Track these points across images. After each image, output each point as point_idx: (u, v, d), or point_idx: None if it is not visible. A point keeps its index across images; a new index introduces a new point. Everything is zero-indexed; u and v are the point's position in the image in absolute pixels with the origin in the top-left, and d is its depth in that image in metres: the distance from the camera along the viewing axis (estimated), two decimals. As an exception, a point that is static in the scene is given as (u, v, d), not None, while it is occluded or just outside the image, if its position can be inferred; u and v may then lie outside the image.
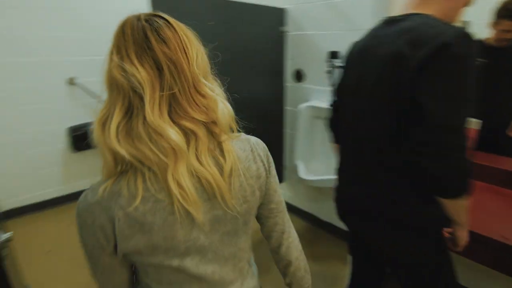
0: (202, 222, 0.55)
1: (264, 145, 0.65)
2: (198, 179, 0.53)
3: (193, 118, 0.51)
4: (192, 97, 0.51)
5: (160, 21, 0.52)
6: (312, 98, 2.17)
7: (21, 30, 2.32)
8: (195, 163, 0.52)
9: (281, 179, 2.43)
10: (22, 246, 2.17)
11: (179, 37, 0.51)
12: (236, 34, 1.87)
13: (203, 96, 0.53)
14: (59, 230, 2.43)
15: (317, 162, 2.20)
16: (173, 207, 0.51)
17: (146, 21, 0.51)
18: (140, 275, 0.62)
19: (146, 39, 0.49)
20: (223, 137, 0.56)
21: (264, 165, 0.62)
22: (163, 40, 0.50)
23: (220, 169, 0.54)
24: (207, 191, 0.54)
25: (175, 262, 0.56)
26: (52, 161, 2.65)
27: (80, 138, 2.63)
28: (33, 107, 2.48)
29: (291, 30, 2.16)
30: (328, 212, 2.31)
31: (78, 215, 0.52)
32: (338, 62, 1.87)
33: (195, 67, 0.52)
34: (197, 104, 0.52)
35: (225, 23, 1.79)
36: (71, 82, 2.56)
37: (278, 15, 2.11)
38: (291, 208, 2.55)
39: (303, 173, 2.01)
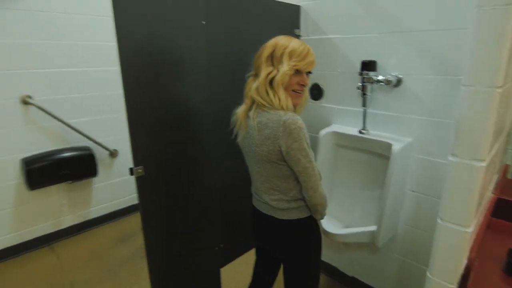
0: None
1: (292, 125, 0.95)
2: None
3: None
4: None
5: None
6: (334, 121, 1.68)
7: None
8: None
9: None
10: None
11: None
12: (234, 37, 1.38)
13: None
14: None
15: (338, 206, 1.69)
16: None
17: None
18: None
19: None
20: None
21: (276, 135, 0.97)
22: None
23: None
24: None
25: None
26: (1, 202, 2.08)
27: (37, 172, 2.07)
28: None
29: (307, 34, 1.68)
30: (351, 264, 1.79)
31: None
32: (374, 75, 1.38)
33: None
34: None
35: (221, 22, 1.31)
36: (25, 101, 2.03)
37: (290, 14, 1.63)
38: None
39: (329, 224, 1.49)
